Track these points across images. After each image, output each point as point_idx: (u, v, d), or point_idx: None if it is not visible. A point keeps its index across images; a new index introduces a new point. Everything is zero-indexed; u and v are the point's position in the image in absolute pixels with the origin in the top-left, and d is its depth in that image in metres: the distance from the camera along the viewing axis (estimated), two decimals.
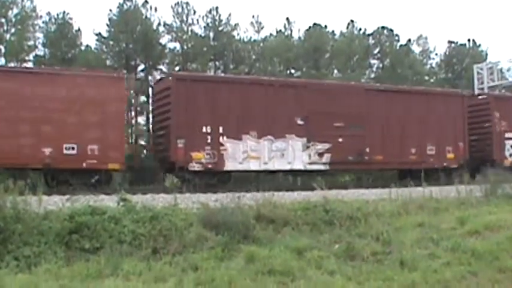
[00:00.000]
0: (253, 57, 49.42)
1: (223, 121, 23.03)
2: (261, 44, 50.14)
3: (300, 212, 14.06)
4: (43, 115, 20.57)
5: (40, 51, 44.56)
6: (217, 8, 48.11)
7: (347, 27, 53.16)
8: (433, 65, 57.09)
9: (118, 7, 45.59)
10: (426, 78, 53.96)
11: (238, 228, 11.78)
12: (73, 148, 20.82)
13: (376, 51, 53.46)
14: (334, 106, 25.05)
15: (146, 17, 45.95)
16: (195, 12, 47.83)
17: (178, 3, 47.49)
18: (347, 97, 25.77)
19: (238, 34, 49.75)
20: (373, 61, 54.06)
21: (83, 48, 45.23)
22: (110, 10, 45.76)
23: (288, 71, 48.97)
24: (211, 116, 22.86)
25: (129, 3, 45.73)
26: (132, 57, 45.16)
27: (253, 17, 54.70)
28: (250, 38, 50.55)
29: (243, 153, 23.35)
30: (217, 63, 49.00)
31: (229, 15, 48.72)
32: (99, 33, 45.26)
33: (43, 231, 10.65)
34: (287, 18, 52.71)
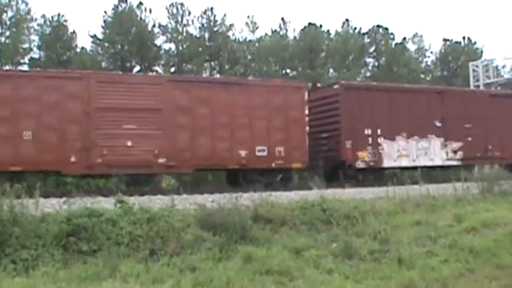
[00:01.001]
0: (249, 57, 49.40)
1: (380, 124, 26.02)
2: (256, 44, 50.13)
3: (297, 212, 14.07)
4: (239, 121, 23.14)
5: (35, 53, 44.54)
6: (212, 8, 48.12)
7: (342, 27, 53.22)
8: (429, 62, 57.19)
9: (113, 9, 45.60)
10: (422, 76, 54.03)
11: (236, 228, 11.78)
12: (263, 150, 23.42)
13: (371, 49, 53.53)
14: (464, 110, 28.30)
15: (141, 18, 45.93)
16: (190, 13, 47.82)
17: (173, 4, 47.48)
18: (474, 102, 29.21)
19: (233, 34, 49.78)
20: (368, 60, 54.12)
21: (78, 50, 45.19)
22: (105, 12, 45.75)
23: (284, 71, 48.96)
24: (371, 119, 25.81)
25: (123, 5, 45.72)
26: (128, 59, 45.14)
27: (248, 17, 55.04)
28: (246, 38, 50.59)
29: (397, 151, 26.49)
30: (212, 63, 49.01)
31: (224, 15, 48.75)
32: (94, 35, 45.27)
33: (40, 234, 10.64)
34: (282, 18, 52.79)
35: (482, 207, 15.82)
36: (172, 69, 45.75)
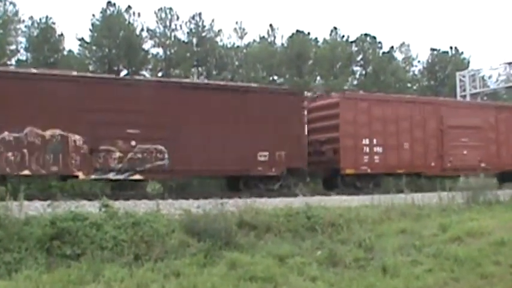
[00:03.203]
0: (236, 63, 49.48)
1: None
2: (244, 50, 50.25)
3: (282, 219, 14.03)
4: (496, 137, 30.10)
5: (22, 55, 44.39)
6: (200, 13, 48.24)
7: (330, 34, 53.47)
8: (416, 72, 57.63)
9: (101, 12, 45.54)
10: (409, 85, 54.29)
11: (221, 234, 11.74)
12: None
13: (359, 58, 53.76)
14: None
15: (129, 22, 45.90)
16: (178, 17, 47.94)
17: (161, 8, 47.57)
18: None
19: (221, 40, 49.93)
20: (356, 68, 54.38)
21: (65, 53, 45.08)
22: (93, 15, 45.72)
23: (271, 78, 49.04)
24: None
25: (112, 9, 45.68)
26: (115, 63, 45.05)
27: (236, 23, 55.01)
28: (234, 44, 50.72)
29: None
30: (200, 69, 49.02)
31: (213, 21, 48.85)
32: (82, 38, 45.20)
33: (24, 237, 10.53)
34: (270, 25, 52.98)
35: (467, 217, 15.88)
36: (160, 74, 45.71)
